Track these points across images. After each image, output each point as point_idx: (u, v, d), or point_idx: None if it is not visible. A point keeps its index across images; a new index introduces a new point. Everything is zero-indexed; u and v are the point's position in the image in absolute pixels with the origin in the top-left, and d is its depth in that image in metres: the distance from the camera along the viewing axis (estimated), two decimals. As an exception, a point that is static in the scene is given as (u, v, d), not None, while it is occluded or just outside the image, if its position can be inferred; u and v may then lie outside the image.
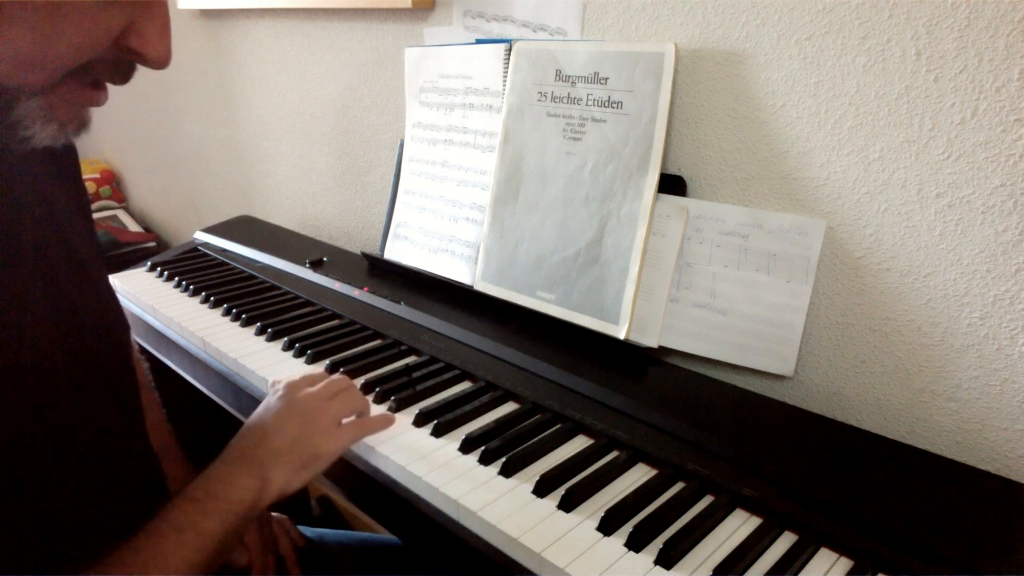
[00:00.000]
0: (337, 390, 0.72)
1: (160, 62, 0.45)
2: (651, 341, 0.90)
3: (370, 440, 0.74)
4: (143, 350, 1.11)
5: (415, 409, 0.79)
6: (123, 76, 0.47)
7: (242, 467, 0.64)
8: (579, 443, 0.75)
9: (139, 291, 1.17)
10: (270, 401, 0.71)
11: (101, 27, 0.42)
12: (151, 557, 0.55)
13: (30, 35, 0.40)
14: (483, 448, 0.72)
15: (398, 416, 0.79)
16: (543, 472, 0.68)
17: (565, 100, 0.96)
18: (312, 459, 0.66)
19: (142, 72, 0.48)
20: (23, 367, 0.51)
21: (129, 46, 0.44)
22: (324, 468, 0.68)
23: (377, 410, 0.81)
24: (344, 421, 0.71)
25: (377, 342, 0.97)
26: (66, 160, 0.66)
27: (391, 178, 1.23)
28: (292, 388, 0.71)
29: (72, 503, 0.56)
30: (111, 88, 0.48)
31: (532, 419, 0.78)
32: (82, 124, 0.48)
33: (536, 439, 0.74)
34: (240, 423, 0.94)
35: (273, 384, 0.75)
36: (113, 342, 0.64)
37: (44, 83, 0.42)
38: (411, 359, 0.93)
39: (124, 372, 0.66)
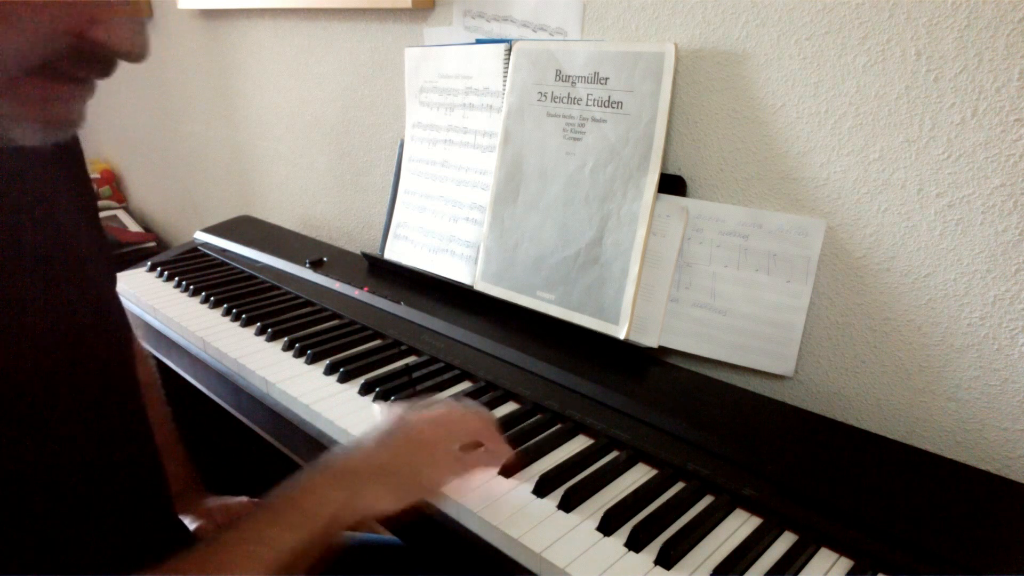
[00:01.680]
0: (455, 419, 0.68)
1: (134, 55, 0.42)
2: (651, 341, 0.90)
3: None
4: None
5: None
6: (101, 70, 0.44)
7: (332, 477, 0.60)
8: (579, 443, 0.75)
9: (139, 291, 1.17)
10: (383, 419, 0.67)
11: (56, 23, 0.40)
12: (214, 568, 0.51)
13: None
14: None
15: (394, 406, 0.79)
16: (543, 472, 0.68)
17: (565, 100, 0.96)
18: (414, 484, 0.62)
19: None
20: (22, 367, 0.51)
21: (95, 39, 0.41)
22: (424, 497, 0.64)
23: (380, 411, 0.81)
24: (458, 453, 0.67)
25: (377, 342, 0.97)
26: (69, 159, 0.66)
27: (391, 178, 1.23)
28: (405, 414, 0.68)
29: (72, 504, 0.56)
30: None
31: (532, 419, 0.78)
32: (68, 121, 0.45)
33: (536, 439, 0.74)
34: (240, 422, 0.95)
35: (381, 410, 0.72)
36: (114, 343, 0.64)
37: (2, 83, 0.40)
38: (411, 359, 0.93)
39: (124, 374, 0.66)
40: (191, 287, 1.17)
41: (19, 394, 0.51)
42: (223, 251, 1.34)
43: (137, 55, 0.43)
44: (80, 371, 0.57)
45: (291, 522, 0.56)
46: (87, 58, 0.42)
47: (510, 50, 1.02)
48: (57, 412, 0.55)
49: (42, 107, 0.43)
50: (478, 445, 0.69)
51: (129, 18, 0.42)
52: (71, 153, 0.66)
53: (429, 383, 0.85)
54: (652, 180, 0.89)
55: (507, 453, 0.70)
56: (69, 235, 0.61)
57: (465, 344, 0.94)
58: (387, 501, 0.60)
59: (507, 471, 0.69)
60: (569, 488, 0.66)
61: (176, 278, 1.21)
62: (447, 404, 0.71)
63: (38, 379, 0.53)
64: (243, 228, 1.47)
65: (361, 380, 0.85)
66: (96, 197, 0.70)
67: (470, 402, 0.73)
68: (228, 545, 0.54)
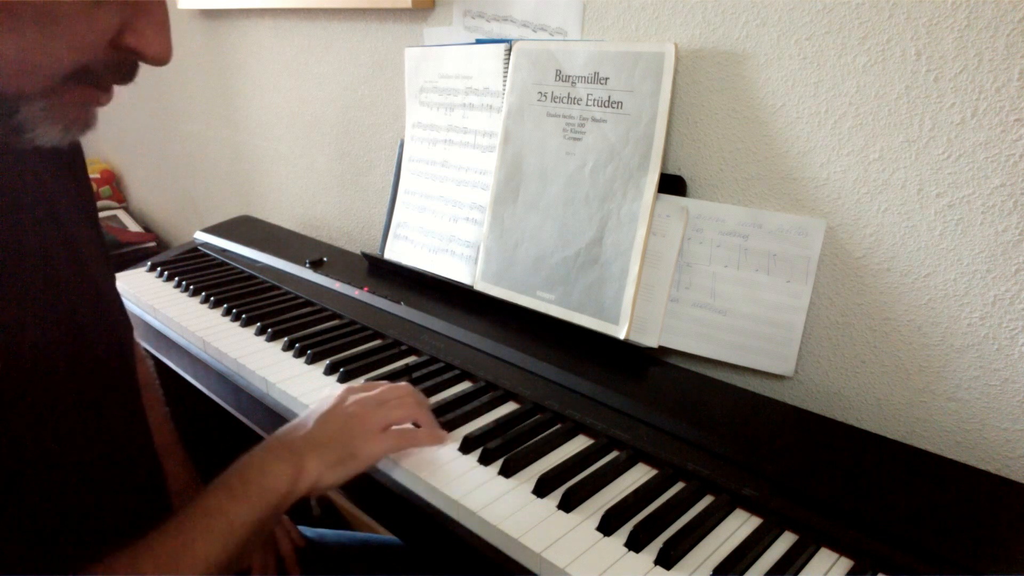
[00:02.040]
0: (390, 397, 0.72)
1: (160, 59, 0.45)
2: (651, 341, 0.90)
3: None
4: (146, 350, 1.11)
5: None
6: (126, 76, 0.47)
7: (278, 454, 0.64)
8: (579, 443, 0.75)
9: (139, 291, 1.17)
10: (323, 400, 0.71)
11: (94, 29, 0.42)
12: (179, 542, 0.55)
13: (21, 42, 0.39)
14: (483, 448, 0.72)
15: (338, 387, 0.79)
16: (543, 472, 0.68)
17: (565, 100, 0.96)
18: (349, 457, 0.66)
19: (142, 72, 0.48)
20: (23, 367, 0.51)
21: (127, 45, 0.43)
22: (361, 469, 0.67)
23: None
24: (393, 429, 0.71)
25: (377, 342, 0.97)
26: (70, 159, 0.66)
27: (391, 178, 1.23)
28: (346, 391, 0.72)
29: (72, 504, 0.56)
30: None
31: (532, 419, 0.78)
32: (87, 124, 0.47)
33: (536, 439, 0.74)
34: (239, 422, 0.95)
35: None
36: (114, 343, 0.64)
37: (43, 87, 0.42)
38: (411, 359, 0.93)
39: (125, 373, 0.66)
40: (191, 287, 1.17)
41: (19, 393, 0.51)
42: (223, 251, 1.34)
43: (162, 59, 0.45)
44: (80, 371, 0.57)
45: (247, 497, 0.60)
46: (117, 63, 0.45)
47: (510, 50, 1.02)
48: (57, 411, 0.55)
49: (72, 110, 0.45)
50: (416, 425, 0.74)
51: (157, 24, 0.44)
52: (71, 153, 0.67)
53: (429, 383, 0.85)
54: (652, 180, 0.89)
55: (441, 436, 0.74)
56: (70, 235, 0.61)
57: (465, 344, 0.94)
58: (328, 475, 0.65)
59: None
60: (569, 488, 0.66)
61: (176, 278, 1.21)
62: (385, 384, 0.74)
63: (38, 378, 0.53)
64: (243, 228, 1.47)
65: (361, 380, 0.85)
66: (96, 197, 0.70)
67: (406, 384, 0.76)
68: (191, 520, 0.57)
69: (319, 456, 0.64)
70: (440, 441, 0.73)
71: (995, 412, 0.73)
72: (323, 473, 0.64)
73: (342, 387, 0.74)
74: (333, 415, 0.69)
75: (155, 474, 0.71)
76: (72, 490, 0.56)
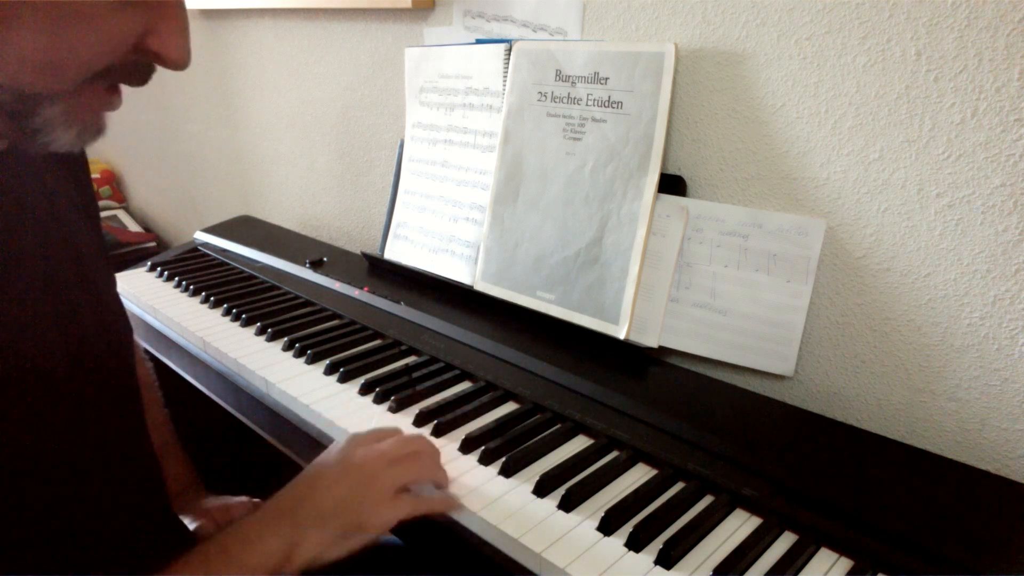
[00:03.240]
0: (403, 453, 0.64)
1: (179, 63, 0.45)
2: (651, 341, 0.90)
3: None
4: (146, 350, 1.11)
5: (415, 409, 0.79)
6: (141, 78, 0.47)
7: (273, 526, 0.58)
8: (579, 443, 0.75)
9: (139, 291, 1.17)
10: (329, 452, 0.65)
11: (119, 30, 0.42)
12: None
13: (47, 40, 0.40)
14: (483, 448, 0.72)
15: (399, 416, 0.79)
16: (543, 472, 0.68)
17: (565, 100, 0.96)
18: (356, 528, 0.59)
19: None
20: (23, 367, 0.51)
21: (148, 48, 0.44)
22: (369, 542, 0.60)
23: (380, 411, 0.81)
24: (407, 493, 0.63)
25: (377, 342, 0.97)
26: (72, 160, 0.66)
27: (391, 178, 1.23)
28: (353, 442, 0.65)
29: (71, 505, 0.56)
30: None
31: (532, 419, 0.78)
32: (99, 129, 0.47)
33: (536, 439, 0.74)
34: (239, 422, 0.95)
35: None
36: (114, 344, 0.64)
37: (66, 87, 0.42)
38: (411, 359, 0.93)
39: (125, 374, 0.66)
40: (191, 287, 1.17)
41: (20, 393, 0.51)
42: (223, 251, 1.34)
43: (182, 64, 0.46)
44: (80, 371, 0.57)
45: (220, 569, 0.54)
46: (136, 66, 0.45)
47: (510, 50, 1.02)
48: (57, 412, 0.55)
49: (87, 115, 0.45)
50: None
51: (178, 29, 0.45)
52: (73, 155, 0.67)
53: (429, 383, 0.85)
54: (652, 180, 0.89)
55: (454, 502, 0.65)
56: (70, 235, 0.61)
57: (465, 344, 0.94)
58: (330, 550, 0.58)
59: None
60: (569, 488, 0.66)
61: (176, 278, 1.21)
62: (395, 435, 0.68)
63: (38, 378, 0.53)
64: (243, 228, 1.47)
65: (361, 380, 0.85)
66: (97, 198, 0.70)
67: (417, 435, 0.70)
68: None
69: (320, 531, 0.58)
70: (455, 507, 0.65)
71: (995, 412, 0.73)
72: (323, 550, 0.58)
73: (346, 439, 0.67)
74: (341, 475, 0.62)
75: (154, 475, 0.71)
76: (71, 490, 0.56)
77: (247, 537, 0.57)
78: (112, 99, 0.46)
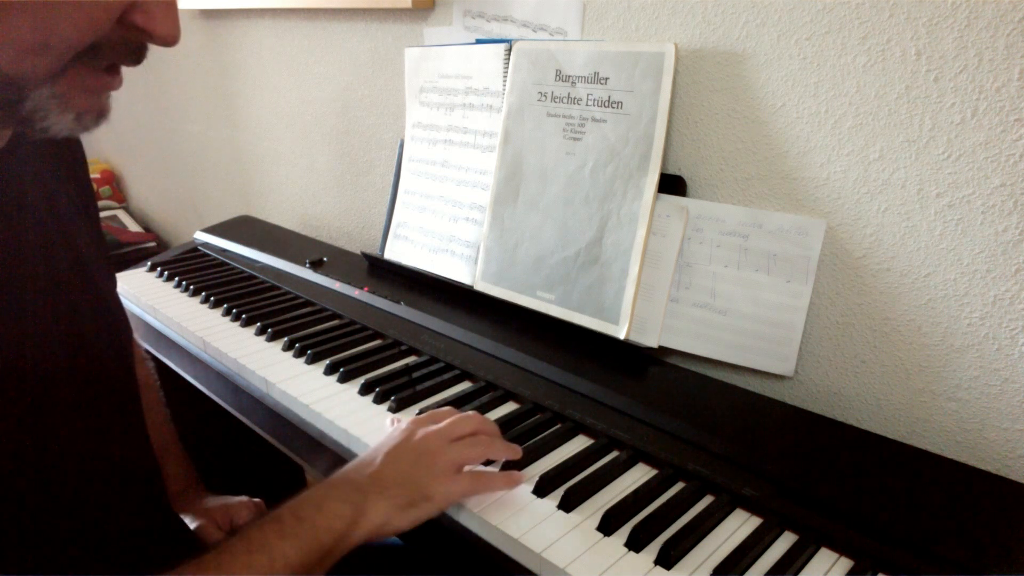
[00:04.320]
0: (463, 431, 0.67)
1: (168, 39, 0.44)
2: (651, 341, 0.90)
3: (369, 440, 0.74)
4: (146, 350, 1.11)
5: (415, 409, 0.79)
6: (134, 57, 0.46)
7: (340, 492, 0.59)
8: (579, 443, 0.75)
9: (139, 291, 1.17)
10: (391, 434, 0.67)
11: (103, 6, 0.41)
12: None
13: (30, 20, 0.39)
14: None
15: (400, 416, 0.79)
16: (543, 472, 0.68)
17: (565, 100, 0.96)
18: (422, 499, 0.61)
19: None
20: (23, 366, 0.51)
21: (135, 24, 0.43)
22: (434, 513, 0.62)
23: (380, 411, 0.81)
24: (466, 469, 0.65)
25: (377, 342, 0.97)
26: (70, 159, 0.66)
27: (391, 178, 1.23)
28: (416, 423, 0.67)
29: (70, 505, 0.56)
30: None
31: (532, 419, 0.78)
32: (100, 113, 0.46)
33: (536, 439, 0.74)
34: (239, 422, 0.95)
35: (393, 421, 0.73)
36: (114, 343, 0.64)
37: (52, 69, 0.41)
38: (411, 359, 0.93)
39: (124, 374, 0.66)
40: (191, 287, 1.17)
41: (20, 393, 0.51)
42: (223, 251, 1.34)
43: (171, 39, 0.44)
44: (80, 370, 0.57)
45: (296, 535, 0.55)
46: (125, 43, 0.44)
47: (510, 50, 1.02)
48: (57, 411, 0.55)
49: (85, 96, 0.44)
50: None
51: (166, 4, 0.44)
52: (72, 152, 0.67)
53: (429, 383, 0.85)
54: (652, 180, 0.89)
55: (519, 478, 0.67)
56: (70, 235, 0.61)
57: (465, 344, 0.94)
58: (395, 519, 0.60)
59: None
60: (569, 488, 0.66)
61: (176, 278, 1.21)
62: (453, 414, 0.70)
63: (38, 378, 0.53)
64: (243, 228, 1.47)
65: (361, 380, 0.85)
66: (96, 198, 0.70)
67: (478, 414, 0.72)
68: (233, 555, 0.53)
69: (387, 498, 0.60)
70: (517, 484, 0.67)
71: (995, 412, 0.73)
72: (390, 516, 0.59)
73: (408, 420, 0.69)
74: (403, 451, 0.64)
75: (153, 475, 0.71)
76: (70, 490, 0.56)
77: (318, 502, 0.58)
78: (110, 80, 0.46)
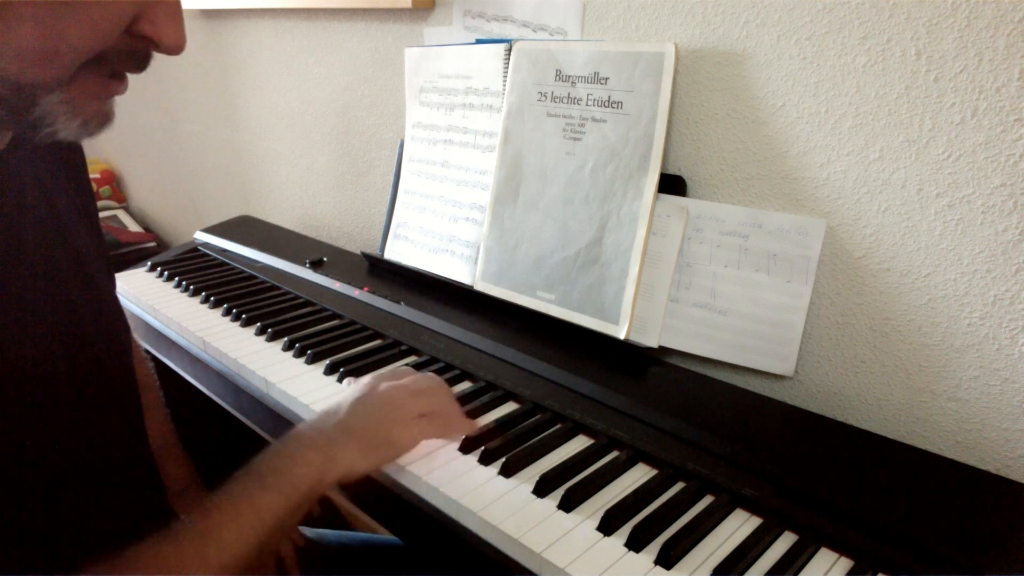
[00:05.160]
0: (423, 387, 0.71)
1: (174, 47, 0.45)
2: (651, 341, 0.90)
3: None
4: (146, 350, 1.11)
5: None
6: (140, 64, 0.46)
7: (310, 442, 0.63)
8: (579, 443, 0.75)
9: (139, 291, 1.17)
10: (354, 388, 0.70)
11: (110, 15, 0.42)
12: (204, 530, 0.54)
13: (39, 30, 0.39)
14: (483, 448, 0.72)
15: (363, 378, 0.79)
16: (543, 472, 0.68)
17: (565, 100, 0.96)
18: (385, 444, 0.66)
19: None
20: (23, 366, 0.51)
21: (142, 33, 0.43)
22: (396, 457, 0.67)
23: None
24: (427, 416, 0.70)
25: (377, 342, 0.97)
26: (71, 160, 0.66)
27: (391, 178, 1.23)
28: (377, 378, 0.71)
29: (69, 504, 0.56)
30: None
31: (532, 419, 0.78)
32: (106, 118, 0.47)
33: (536, 439, 0.74)
34: (239, 422, 0.95)
35: (350, 382, 0.76)
36: (113, 343, 0.64)
37: (60, 77, 0.42)
38: (411, 359, 0.93)
39: (123, 374, 0.66)
40: (191, 287, 1.17)
41: (18, 393, 0.51)
42: (223, 251, 1.34)
43: (177, 47, 0.45)
44: (79, 370, 0.57)
45: (276, 488, 0.58)
46: (131, 51, 0.45)
47: (510, 50, 1.02)
48: (56, 411, 0.55)
49: (91, 102, 0.45)
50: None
51: (171, 12, 0.44)
52: (71, 154, 0.67)
53: (429, 383, 0.85)
54: (652, 180, 0.89)
55: (473, 424, 0.73)
56: (69, 235, 0.61)
57: (465, 344, 0.94)
58: (361, 462, 0.64)
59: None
60: (569, 488, 0.66)
61: (176, 278, 1.21)
62: (414, 373, 0.74)
63: (37, 377, 0.53)
64: (243, 228, 1.47)
65: (367, 378, 0.85)
66: (96, 198, 0.70)
67: (434, 375, 0.76)
68: (217, 511, 0.56)
69: (352, 443, 0.63)
70: (472, 429, 0.73)
71: (995, 412, 0.73)
72: (355, 460, 0.63)
73: (371, 375, 0.73)
74: (367, 400, 0.68)
75: (152, 475, 0.71)
76: (69, 490, 0.56)
77: (290, 454, 0.62)
78: (115, 86, 0.46)
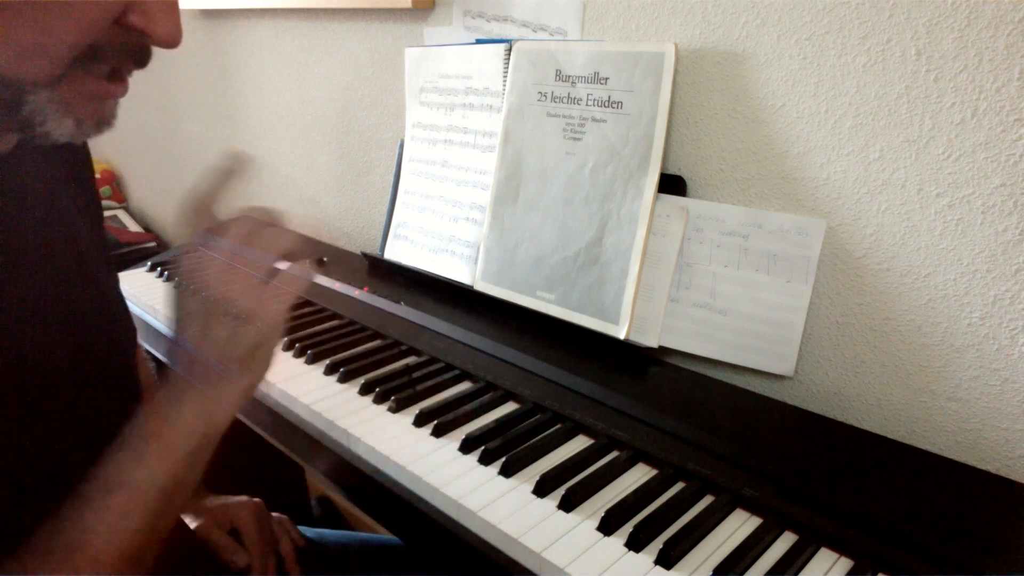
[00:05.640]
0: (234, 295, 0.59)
1: (169, 40, 0.43)
2: (651, 341, 0.90)
3: (369, 440, 0.74)
4: (146, 350, 1.11)
5: (415, 409, 0.79)
6: (137, 60, 0.45)
7: (184, 392, 0.55)
8: (579, 443, 0.75)
9: (139, 291, 1.17)
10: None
11: (98, 6, 0.41)
12: (73, 533, 0.47)
13: (24, 22, 0.39)
14: (483, 448, 0.72)
15: (399, 416, 0.79)
16: (543, 472, 0.68)
17: (565, 100, 0.96)
18: (252, 353, 0.56)
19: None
20: (24, 366, 0.51)
21: (133, 25, 0.42)
22: (273, 349, 0.58)
23: (380, 411, 0.81)
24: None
25: (377, 342, 0.97)
26: (75, 159, 0.66)
27: (391, 178, 1.23)
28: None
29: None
30: None
31: (532, 419, 0.78)
32: (102, 120, 0.46)
33: (536, 439, 0.74)
34: (239, 422, 0.95)
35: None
36: (116, 342, 0.64)
37: (51, 71, 0.41)
38: (411, 359, 0.93)
39: (126, 374, 0.66)
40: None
41: (21, 392, 0.51)
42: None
43: (172, 39, 0.44)
44: (81, 370, 0.57)
45: (158, 455, 0.52)
46: (126, 46, 0.43)
47: (510, 50, 1.02)
48: (59, 410, 0.55)
49: (86, 102, 0.44)
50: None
51: (164, 3, 0.43)
52: (74, 153, 0.66)
53: (429, 383, 0.85)
54: (652, 180, 0.89)
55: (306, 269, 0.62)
56: (72, 234, 0.61)
57: (465, 344, 0.94)
58: (234, 395, 0.56)
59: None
60: (569, 488, 0.66)
61: (176, 278, 1.20)
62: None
63: (40, 377, 0.53)
64: (243, 228, 1.46)
65: (361, 380, 0.85)
66: (100, 197, 0.69)
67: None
68: (78, 501, 0.49)
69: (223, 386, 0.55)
70: (308, 274, 0.61)
71: (995, 412, 0.73)
72: (232, 397, 0.56)
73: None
74: (202, 310, 0.59)
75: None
76: (69, 490, 0.56)
77: (165, 415, 0.54)
78: (114, 87, 0.45)
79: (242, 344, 0.57)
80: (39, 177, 0.59)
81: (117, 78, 0.45)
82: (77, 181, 0.66)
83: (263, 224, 0.62)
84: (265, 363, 0.58)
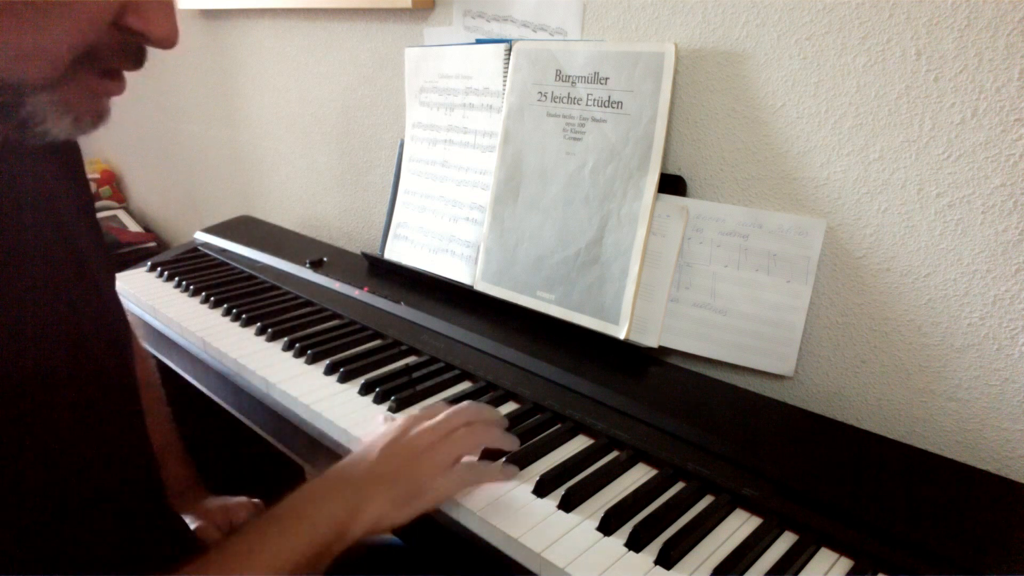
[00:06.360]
0: (456, 424, 0.67)
1: (165, 41, 0.43)
2: (651, 341, 0.90)
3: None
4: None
5: (415, 409, 0.79)
6: (134, 61, 0.45)
7: (336, 488, 0.60)
8: (579, 443, 0.75)
9: (139, 291, 1.17)
10: (387, 430, 0.67)
11: (94, 8, 0.40)
12: (220, 572, 0.51)
13: (20, 25, 0.38)
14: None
15: (398, 416, 0.79)
16: (543, 472, 0.68)
17: (565, 100, 0.96)
18: (417, 494, 0.61)
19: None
20: (23, 366, 0.51)
21: (129, 26, 0.42)
22: (430, 508, 0.63)
23: (378, 410, 0.81)
24: (465, 459, 0.66)
25: (377, 342, 0.97)
26: (69, 158, 0.66)
27: (391, 178, 1.23)
28: (409, 420, 0.67)
29: (68, 505, 0.56)
30: None
31: (532, 419, 0.78)
32: (99, 115, 0.45)
33: (536, 439, 0.74)
34: (239, 422, 0.95)
35: (386, 419, 0.73)
36: (114, 343, 0.64)
37: (49, 74, 0.41)
38: (411, 359, 0.93)
39: (124, 374, 0.66)
40: (191, 287, 1.17)
41: (19, 392, 0.51)
42: (223, 251, 1.34)
43: (168, 41, 0.43)
44: (79, 370, 0.57)
45: (296, 533, 0.56)
46: (123, 47, 0.43)
47: (510, 50, 1.02)
48: (56, 411, 0.54)
49: (85, 101, 0.44)
50: (490, 451, 0.69)
51: (160, 4, 0.43)
52: (69, 152, 0.66)
53: (429, 383, 0.85)
54: (652, 180, 0.89)
55: (511, 472, 0.68)
56: (70, 234, 0.61)
57: (465, 344, 0.94)
58: (392, 513, 0.60)
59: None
60: (569, 488, 0.66)
61: (176, 278, 1.21)
62: (447, 409, 0.69)
63: (38, 377, 0.53)
64: (243, 228, 1.47)
65: (361, 380, 0.85)
66: (93, 197, 0.69)
67: (474, 404, 0.72)
68: (235, 555, 0.53)
69: (383, 492, 0.60)
70: (511, 477, 0.68)
71: (995, 412, 0.73)
72: (386, 512, 0.60)
73: (402, 416, 0.70)
74: (399, 447, 0.64)
75: (152, 475, 0.71)
76: (70, 490, 0.56)
77: (313, 497, 0.59)
78: (110, 85, 0.45)
79: (448, 455, 0.64)
80: (37, 176, 0.59)
81: (115, 76, 0.45)
82: (74, 179, 0.66)
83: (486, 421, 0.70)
84: (431, 501, 0.62)
